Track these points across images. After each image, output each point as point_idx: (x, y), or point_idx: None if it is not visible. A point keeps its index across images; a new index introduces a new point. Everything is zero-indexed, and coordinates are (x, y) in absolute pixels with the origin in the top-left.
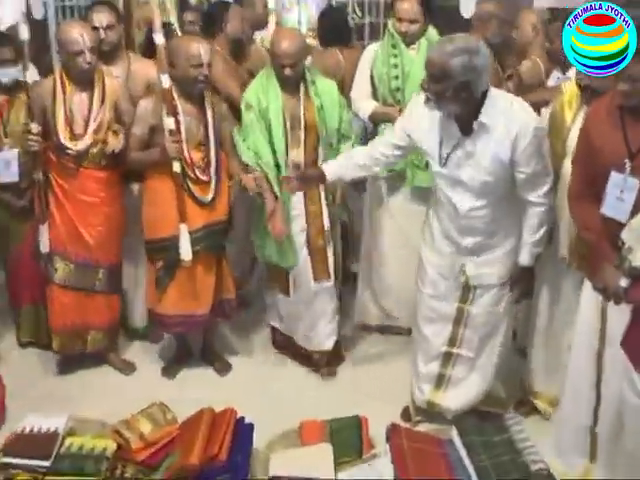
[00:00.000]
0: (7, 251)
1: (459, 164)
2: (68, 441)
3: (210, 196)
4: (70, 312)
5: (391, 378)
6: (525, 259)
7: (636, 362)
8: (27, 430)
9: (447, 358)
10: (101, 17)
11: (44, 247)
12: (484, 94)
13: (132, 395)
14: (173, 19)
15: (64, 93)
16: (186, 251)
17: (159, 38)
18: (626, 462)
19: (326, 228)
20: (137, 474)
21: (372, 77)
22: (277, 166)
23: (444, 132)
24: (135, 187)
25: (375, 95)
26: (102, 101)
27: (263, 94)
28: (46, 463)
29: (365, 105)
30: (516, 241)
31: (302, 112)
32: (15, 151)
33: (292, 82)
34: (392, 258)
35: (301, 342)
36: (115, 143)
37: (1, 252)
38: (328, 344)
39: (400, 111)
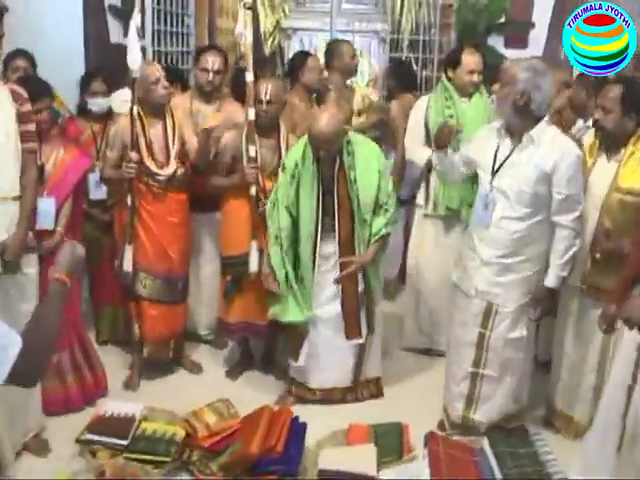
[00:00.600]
0: (94, 260)
1: (503, 174)
2: (143, 425)
3: None
4: (158, 324)
5: (431, 393)
6: (551, 281)
7: None
8: (108, 414)
9: (474, 378)
10: (214, 60)
11: (127, 266)
12: (539, 119)
13: (199, 392)
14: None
15: (142, 126)
16: (254, 264)
17: (249, 76)
18: (635, 473)
19: (360, 290)
20: (202, 459)
21: (426, 125)
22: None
23: (500, 145)
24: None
25: (428, 142)
26: (174, 130)
27: (301, 160)
28: (124, 442)
29: (421, 152)
30: (533, 271)
31: (335, 185)
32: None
33: (326, 159)
34: (438, 291)
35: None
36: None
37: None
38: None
39: None
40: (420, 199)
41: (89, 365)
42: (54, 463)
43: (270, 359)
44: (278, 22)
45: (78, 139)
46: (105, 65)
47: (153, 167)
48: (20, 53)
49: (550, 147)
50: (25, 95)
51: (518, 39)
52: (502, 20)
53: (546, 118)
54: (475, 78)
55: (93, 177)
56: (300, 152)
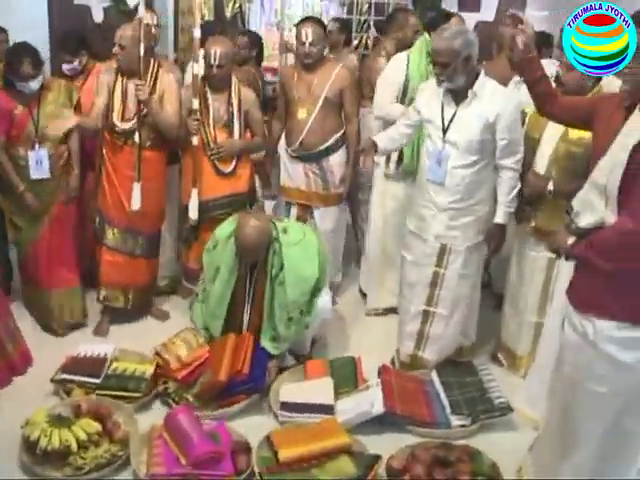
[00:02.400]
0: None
1: (452, 129)
2: (114, 365)
3: (230, 168)
4: (113, 270)
5: (385, 334)
6: (500, 217)
7: (576, 305)
8: (81, 355)
9: (425, 316)
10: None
11: (136, 204)
12: (477, 75)
13: (166, 336)
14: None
15: (120, 82)
16: (193, 212)
17: (197, 33)
18: (562, 387)
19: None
20: (178, 390)
21: (405, 84)
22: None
23: (445, 105)
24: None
25: (402, 101)
26: (151, 92)
27: (223, 252)
28: (96, 380)
29: (395, 109)
30: (484, 211)
31: (253, 279)
32: (45, 149)
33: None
34: (398, 245)
35: None
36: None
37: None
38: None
39: None
40: (380, 159)
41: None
42: (29, 403)
43: None
44: None
45: (10, 113)
46: (69, 26)
47: (115, 119)
48: None
49: (491, 99)
50: None
51: (471, 2)
52: None
53: (482, 72)
54: None
55: (33, 155)
56: (227, 233)
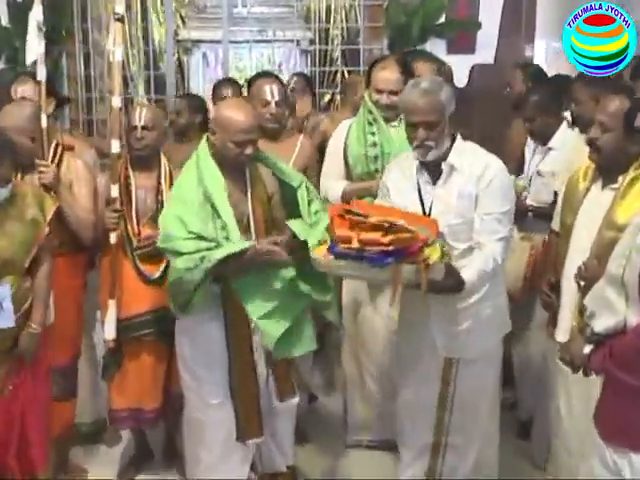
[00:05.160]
0: None
1: (433, 214)
2: None
3: (158, 273)
4: None
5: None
6: (466, 274)
7: (605, 436)
8: None
9: (436, 449)
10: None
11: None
12: (453, 140)
13: None
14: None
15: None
16: (109, 332)
17: (116, 101)
18: None
19: None
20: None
21: (346, 157)
22: None
23: (421, 185)
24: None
25: (350, 177)
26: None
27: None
28: None
29: (336, 186)
30: (492, 309)
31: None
32: (7, 286)
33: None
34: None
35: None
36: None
37: None
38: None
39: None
40: None
41: None
42: None
43: (172, 451)
44: (175, 33)
45: None
46: None
47: None
48: None
49: (471, 167)
50: None
51: (463, 42)
52: (441, 20)
53: (459, 135)
54: (384, 100)
55: None
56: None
